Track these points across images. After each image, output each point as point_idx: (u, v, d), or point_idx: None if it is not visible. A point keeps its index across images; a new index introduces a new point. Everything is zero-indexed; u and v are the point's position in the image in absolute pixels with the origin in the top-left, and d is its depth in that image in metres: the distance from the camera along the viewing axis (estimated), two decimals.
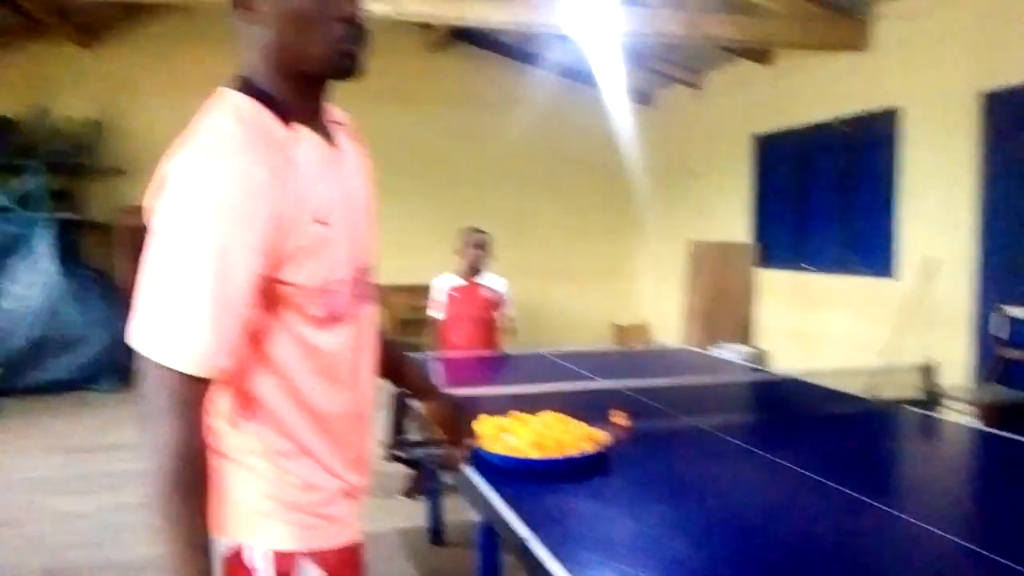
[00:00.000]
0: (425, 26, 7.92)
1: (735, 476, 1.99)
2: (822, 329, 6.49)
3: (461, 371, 3.85)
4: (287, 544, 1.19)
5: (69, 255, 7.04)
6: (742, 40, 6.16)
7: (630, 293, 9.62)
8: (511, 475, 1.80)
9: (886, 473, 2.16)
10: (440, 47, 8.61)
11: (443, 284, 4.40)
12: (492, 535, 2.01)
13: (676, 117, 8.83)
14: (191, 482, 1.04)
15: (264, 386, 1.17)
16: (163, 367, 1.02)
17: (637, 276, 9.65)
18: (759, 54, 7.03)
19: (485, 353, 4.22)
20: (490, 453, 1.86)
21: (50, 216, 6.91)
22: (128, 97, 7.80)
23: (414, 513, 4.02)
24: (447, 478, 2.60)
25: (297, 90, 1.17)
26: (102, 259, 7.50)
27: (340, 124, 1.29)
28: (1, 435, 5.49)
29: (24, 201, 7.02)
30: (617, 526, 1.60)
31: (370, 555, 1.32)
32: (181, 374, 1.02)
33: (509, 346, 4.45)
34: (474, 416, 1.70)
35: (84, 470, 4.79)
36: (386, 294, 8.38)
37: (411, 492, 4.27)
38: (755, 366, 4.82)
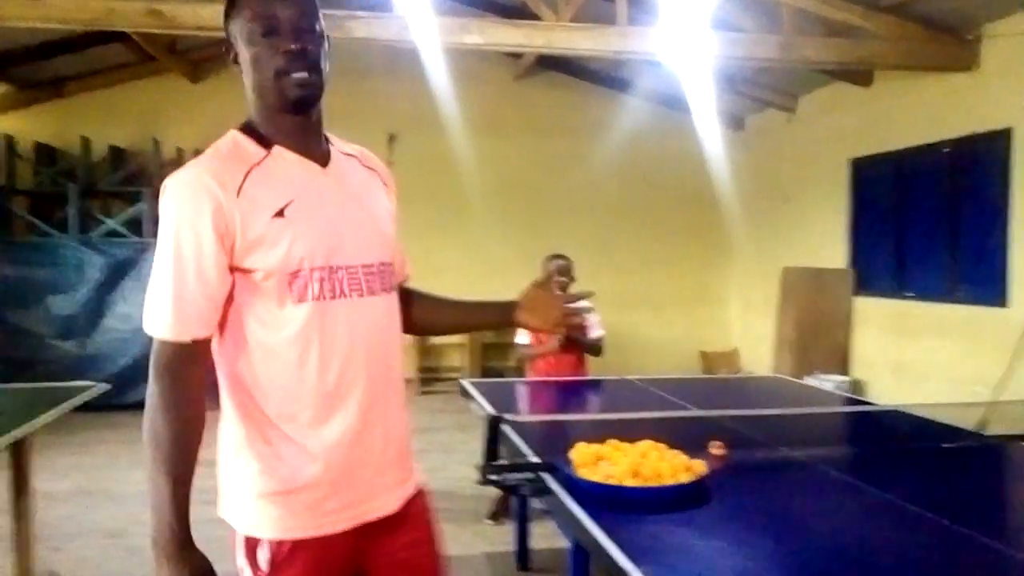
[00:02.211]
0: (513, 55, 8.04)
1: (836, 510, 1.91)
2: (924, 360, 6.20)
3: (550, 396, 3.84)
4: (255, 531, 1.40)
5: None
6: (841, 63, 6.00)
7: (718, 320, 9.43)
8: (608, 503, 1.78)
9: (996, 510, 2.03)
10: (528, 75, 8.72)
11: None
12: (583, 562, 1.99)
13: (768, 141, 8.66)
14: (164, 422, 1.31)
15: (241, 369, 1.39)
16: (153, 337, 1.33)
17: (725, 303, 9.46)
18: (857, 76, 6.84)
19: (573, 378, 4.19)
20: (587, 481, 1.84)
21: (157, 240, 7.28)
22: (230, 127, 8.18)
23: (501, 538, 4.02)
24: (538, 503, 2.59)
25: (274, 121, 1.42)
26: None
27: (351, 155, 1.54)
28: (106, 450, 5.78)
29: (134, 226, 7.44)
30: (715, 558, 1.55)
31: None
32: (162, 340, 1.33)
33: (594, 369, 4.40)
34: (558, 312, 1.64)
35: None
36: None
37: (497, 516, 4.26)
38: (852, 396, 4.64)
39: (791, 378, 4.82)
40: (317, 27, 1.42)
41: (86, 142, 7.73)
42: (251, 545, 1.40)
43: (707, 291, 9.43)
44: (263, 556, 1.39)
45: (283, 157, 1.40)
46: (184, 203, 1.32)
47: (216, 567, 1.38)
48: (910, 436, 2.78)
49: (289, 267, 1.34)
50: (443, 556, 1.60)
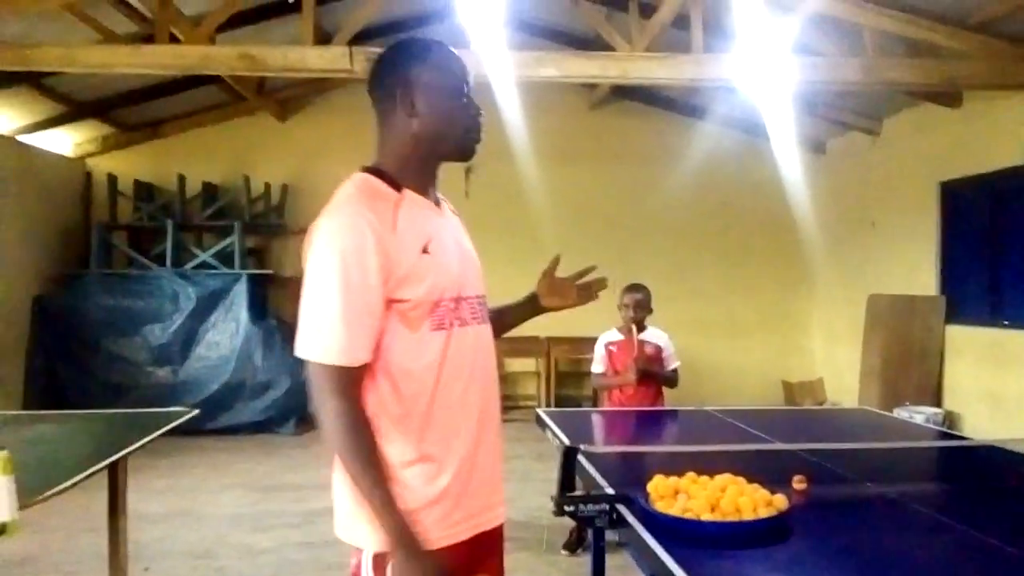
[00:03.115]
0: (588, 85, 8.09)
1: (926, 550, 1.83)
2: (1022, 391, 5.87)
3: (626, 427, 3.81)
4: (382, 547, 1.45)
5: (258, 307, 7.68)
6: (927, 84, 5.81)
7: (800, 349, 9.16)
8: (685, 537, 1.76)
9: None
10: (602, 104, 8.75)
11: (604, 340, 4.39)
12: None
13: (852, 165, 8.43)
14: (357, 439, 1.43)
15: (376, 393, 1.49)
16: (320, 364, 1.43)
17: (808, 331, 9.19)
18: (945, 97, 6.61)
19: (649, 408, 4.15)
20: (664, 514, 1.82)
21: (246, 272, 7.59)
22: (315, 163, 8.44)
23: (576, 569, 3.98)
24: (614, 535, 2.56)
25: (420, 169, 1.59)
26: (287, 311, 8.10)
27: (442, 199, 1.70)
28: (195, 473, 5.99)
29: (224, 258, 7.77)
30: None
31: None
32: (331, 366, 1.42)
33: (668, 400, 4.35)
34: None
35: (269, 508, 5.11)
36: (547, 345, 8.48)
37: (574, 547, 4.23)
38: (945, 430, 4.43)
39: (879, 410, 4.65)
40: None
41: (181, 179, 8.14)
42: (380, 562, 1.47)
43: (789, 318, 9.18)
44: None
45: (413, 199, 1.55)
46: (349, 237, 1.43)
47: None
48: (1007, 472, 2.65)
49: (432, 297, 1.50)
50: None
